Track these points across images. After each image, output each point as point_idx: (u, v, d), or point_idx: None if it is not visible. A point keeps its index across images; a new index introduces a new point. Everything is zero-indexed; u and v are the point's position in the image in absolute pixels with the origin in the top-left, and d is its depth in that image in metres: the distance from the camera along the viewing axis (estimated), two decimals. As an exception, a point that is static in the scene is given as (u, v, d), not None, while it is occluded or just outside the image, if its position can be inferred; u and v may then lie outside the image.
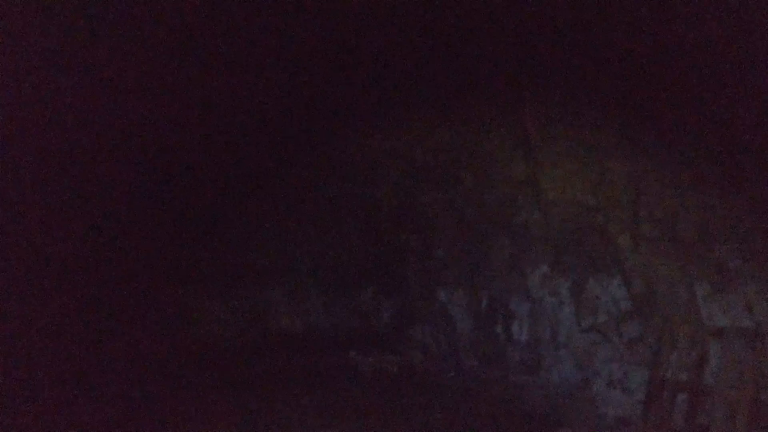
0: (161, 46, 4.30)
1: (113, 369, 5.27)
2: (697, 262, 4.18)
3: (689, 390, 3.87)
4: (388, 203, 6.37)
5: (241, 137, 5.90)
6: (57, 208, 4.72)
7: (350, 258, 6.68)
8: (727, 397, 3.67)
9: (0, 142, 3.96)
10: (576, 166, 4.77)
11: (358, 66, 5.47)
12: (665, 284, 4.33)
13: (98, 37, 3.93)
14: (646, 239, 4.43)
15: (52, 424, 4.31)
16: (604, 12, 4.38)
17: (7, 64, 3.69)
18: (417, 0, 4.49)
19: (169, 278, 6.02)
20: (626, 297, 4.51)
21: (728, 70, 3.94)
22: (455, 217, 5.78)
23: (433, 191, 5.91)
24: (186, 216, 5.99)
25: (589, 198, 4.76)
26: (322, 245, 6.79)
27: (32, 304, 4.71)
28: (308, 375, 5.65)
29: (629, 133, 4.47)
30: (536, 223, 5.15)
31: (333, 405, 4.94)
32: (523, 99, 4.91)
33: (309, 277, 6.85)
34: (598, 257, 4.76)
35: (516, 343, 5.27)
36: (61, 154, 4.48)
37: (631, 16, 4.24)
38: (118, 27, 3.94)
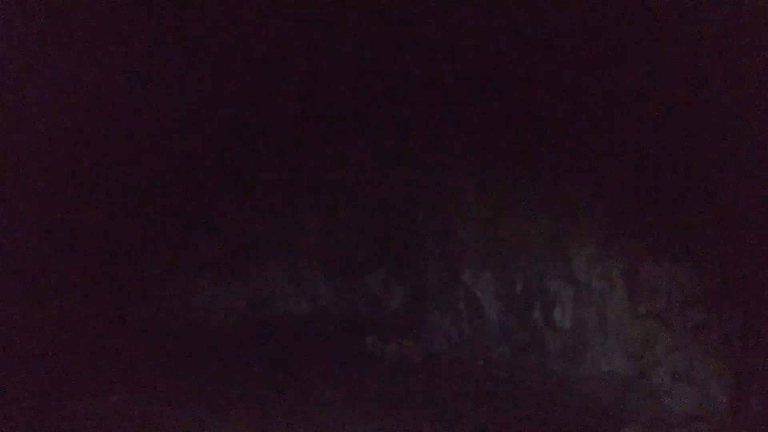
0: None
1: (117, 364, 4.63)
2: None
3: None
4: (403, 181, 5.90)
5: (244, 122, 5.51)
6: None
7: (359, 239, 6.16)
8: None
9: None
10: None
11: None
12: None
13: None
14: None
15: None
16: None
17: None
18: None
19: (172, 266, 5.48)
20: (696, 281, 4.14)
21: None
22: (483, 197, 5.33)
23: (458, 169, 5.46)
24: (183, 201, 5.61)
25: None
26: (329, 226, 6.29)
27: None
28: (322, 363, 5.04)
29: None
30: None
31: (358, 397, 4.38)
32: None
33: (314, 259, 6.30)
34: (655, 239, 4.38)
35: (557, 330, 4.86)
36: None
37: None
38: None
